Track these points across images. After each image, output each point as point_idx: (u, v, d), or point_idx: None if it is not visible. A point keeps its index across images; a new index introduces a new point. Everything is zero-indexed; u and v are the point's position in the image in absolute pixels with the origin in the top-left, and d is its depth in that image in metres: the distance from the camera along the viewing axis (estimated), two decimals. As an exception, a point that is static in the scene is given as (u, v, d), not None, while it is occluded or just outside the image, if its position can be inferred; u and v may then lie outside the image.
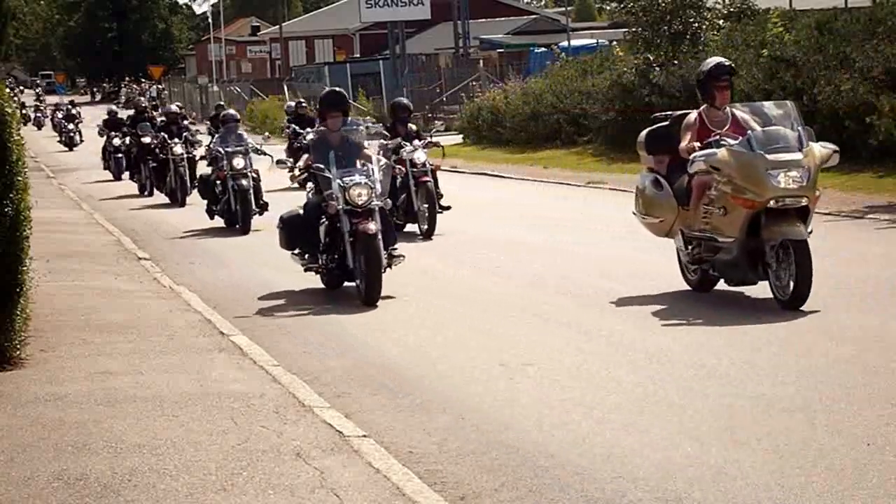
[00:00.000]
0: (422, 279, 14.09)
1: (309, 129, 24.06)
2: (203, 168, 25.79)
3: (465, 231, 18.24)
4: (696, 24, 30.48)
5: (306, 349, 10.65)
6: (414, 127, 19.54)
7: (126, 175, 32.24)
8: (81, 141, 50.13)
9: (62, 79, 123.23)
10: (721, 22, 30.47)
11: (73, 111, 54.53)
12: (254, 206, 20.23)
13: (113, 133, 34.34)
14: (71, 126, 51.14)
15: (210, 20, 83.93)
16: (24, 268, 9.80)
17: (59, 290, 13.24)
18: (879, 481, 6.51)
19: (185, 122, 28.57)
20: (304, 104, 31.34)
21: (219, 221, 20.66)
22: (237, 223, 20.07)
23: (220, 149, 20.82)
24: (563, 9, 65.79)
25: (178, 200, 25.41)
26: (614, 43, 38.41)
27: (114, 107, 41.89)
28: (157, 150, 26.36)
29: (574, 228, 18.18)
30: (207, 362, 9.74)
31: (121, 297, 13.12)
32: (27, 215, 9.84)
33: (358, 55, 73.73)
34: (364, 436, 7.58)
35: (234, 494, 6.52)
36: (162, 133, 26.48)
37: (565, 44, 45.77)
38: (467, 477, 6.96)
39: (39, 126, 71.20)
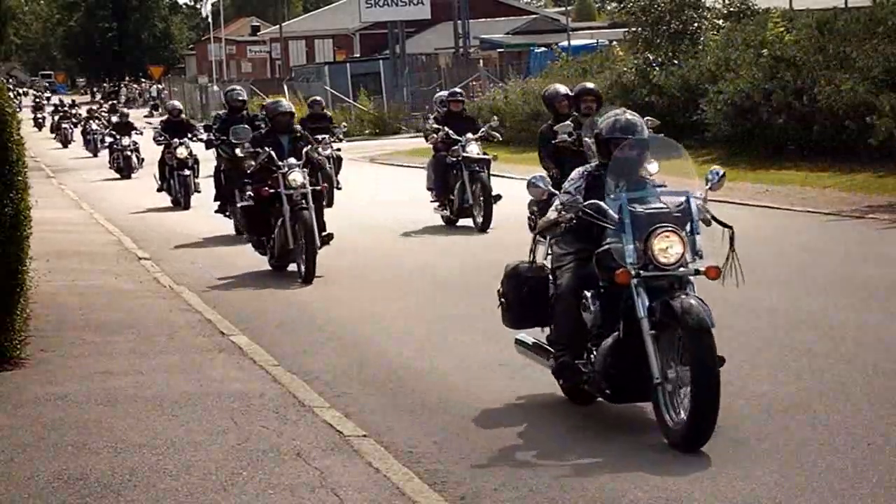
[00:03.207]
0: (422, 276, 14.10)
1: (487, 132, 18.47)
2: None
3: (464, 229, 18.24)
4: (696, 24, 30.50)
5: (306, 349, 10.64)
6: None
7: (195, 199, 23.69)
8: (141, 164, 33.13)
9: (62, 78, 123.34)
10: (720, 22, 30.48)
11: (126, 114, 36.43)
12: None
13: (177, 140, 24.34)
14: (126, 141, 33.19)
15: (210, 20, 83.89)
16: (25, 268, 9.81)
17: (59, 290, 13.24)
18: (879, 481, 6.52)
19: (327, 128, 19.76)
20: (460, 94, 19.98)
21: None
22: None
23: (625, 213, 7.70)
24: (563, 9, 65.79)
25: (283, 265, 14.85)
26: (614, 43, 38.40)
27: (176, 103, 28.37)
28: (251, 178, 15.07)
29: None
30: (207, 362, 9.74)
31: (121, 297, 13.11)
32: (27, 215, 9.85)
33: (358, 55, 73.69)
34: (364, 436, 7.58)
35: (234, 494, 6.52)
36: (260, 148, 14.73)
37: (565, 44, 45.78)
38: (467, 477, 6.96)
39: (66, 142, 50.72)
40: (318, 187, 14.84)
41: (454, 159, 18.41)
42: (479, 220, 18.09)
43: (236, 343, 10.48)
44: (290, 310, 12.63)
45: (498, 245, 16.63)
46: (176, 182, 24.27)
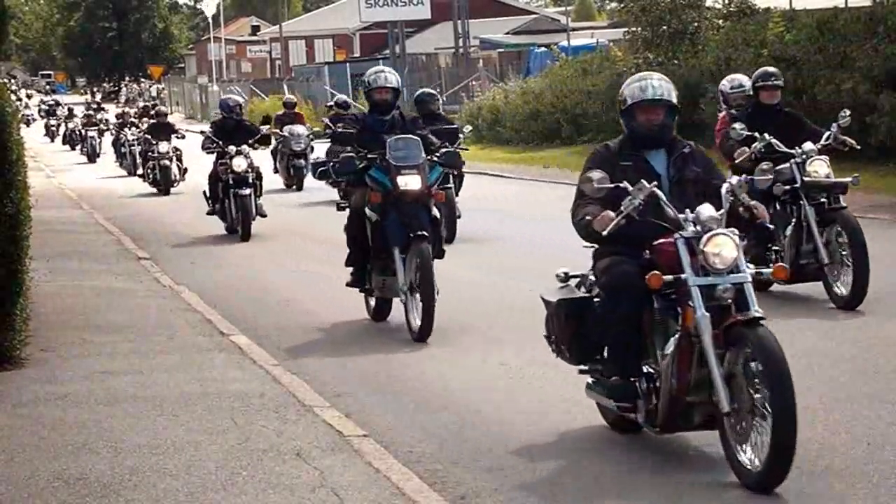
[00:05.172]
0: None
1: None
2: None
3: (464, 230, 18.20)
4: (696, 24, 30.51)
5: (306, 349, 10.64)
6: None
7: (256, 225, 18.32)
8: (183, 175, 27.73)
9: (62, 78, 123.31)
10: (720, 21, 30.49)
11: (165, 114, 30.54)
12: None
13: (233, 148, 18.41)
14: (164, 147, 27.02)
15: (210, 20, 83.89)
16: (24, 268, 9.81)
17: (59, 290, 13.24)
18: (879, 481, 6.51)
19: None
20: (775, 76, 11.95)
21: None
22: None
23: None
24: (563, 9, 65.82)
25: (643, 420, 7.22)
26: (611, 43, 38.43)
27: (234, 97, 21.40)
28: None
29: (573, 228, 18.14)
30: (207, 362, 9.74)
31: (121, 296, 13.11)
32: (27, 215, 9.85)
33: (358, 55, 73.70)
34: (364, 436, 7.58)
35: (234, 494, 6.52)
36: (622, 178, 7.19)
37: (565, 43, 45.77)
38: (467, 477, 6.96)
39: (93, 157, 40.28)
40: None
41: (786, 188, 11.16)
42: (843, 290, 10.92)
43: (236, 343, 10.48)
44: (290, 310, 12.62)
45: (494, 246, 16.46)
46: (231, 203, 18.41)
